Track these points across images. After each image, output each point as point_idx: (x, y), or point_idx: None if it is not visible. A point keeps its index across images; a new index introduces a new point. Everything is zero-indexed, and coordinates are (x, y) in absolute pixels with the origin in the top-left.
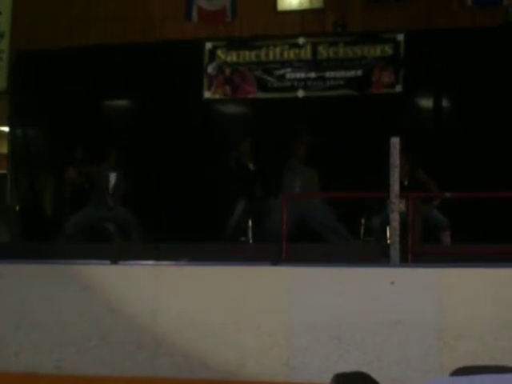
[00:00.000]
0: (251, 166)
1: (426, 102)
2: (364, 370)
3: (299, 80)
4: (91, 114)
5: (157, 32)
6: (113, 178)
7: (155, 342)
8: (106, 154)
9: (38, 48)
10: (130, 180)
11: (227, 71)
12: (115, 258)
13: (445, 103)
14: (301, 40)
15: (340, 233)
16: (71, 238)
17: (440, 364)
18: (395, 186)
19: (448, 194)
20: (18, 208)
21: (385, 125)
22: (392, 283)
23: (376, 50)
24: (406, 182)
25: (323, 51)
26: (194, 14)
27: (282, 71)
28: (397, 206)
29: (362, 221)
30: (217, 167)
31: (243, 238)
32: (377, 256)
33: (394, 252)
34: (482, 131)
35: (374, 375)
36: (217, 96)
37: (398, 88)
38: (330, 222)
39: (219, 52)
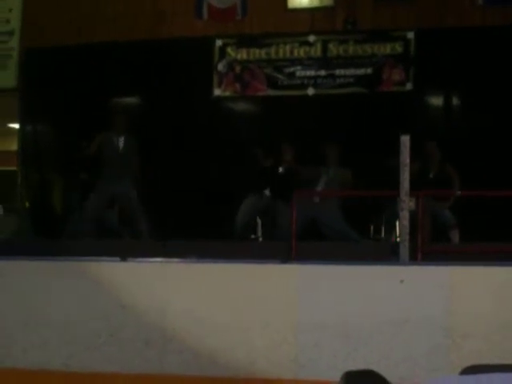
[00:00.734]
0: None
1: (437, 100)
2: (372, 367)
3: (309, 78)
4: (101, 112)
5: (166, 29)
6: (121, 144)
7: (164, 339)
8: (112, 120)
9: (47, 46)
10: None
11: (237, 69)
12: (123, 255)
13: (455, 101)
14: (311, 38)
15: (349, 238)
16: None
17: (448, 362)
18: (405, 184)
19: (458, 192)
20: (27, 205)
21: (395, 123)
22: (401, 281)
23: (386, 48)
24: (431, 175)
25: (333, 49)
26: (205, 12)
27: (292, 69)
28: (407, 204)
29: (373, 219)
30: (226, 165)
31: (253, 236)
32: (386, 254)
33: (404, 250)
34: (492, 129)
35: (382, 373)
36: (227, 93)
37: (409, 86)
38: (341, 226)
39: (229, 49)
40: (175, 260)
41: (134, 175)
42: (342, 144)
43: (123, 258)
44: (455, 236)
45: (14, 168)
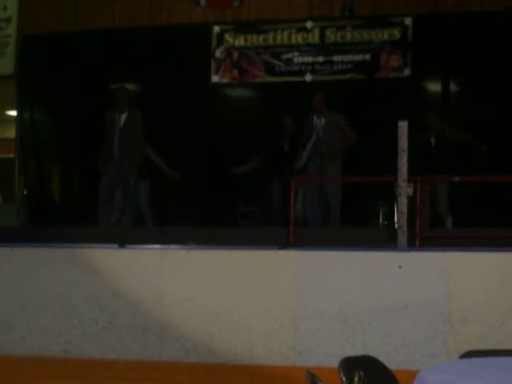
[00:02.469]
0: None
1: (434, 86)
2: (371, 353)
3: (307, 64)
4: (99, 98)
5: (164, 16)
6: (122, 120)
7: (162, 325)
8: (115, 94)
9: (44, 32)
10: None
11: (235, 55)
12: (122, 242)
13: (452, 87)
14: (308, 24)
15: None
16: (109, 207)
17: (446, 348)
18: (403, 170)
19: (457, 178)
20: (25, 192)
21: (392, 109)
22: (400, 267)
23: (384, 34)
24: (433, 143)
25: (331, 35)
26: None
27: (289, 55)
28: (405, 189)
29: (370, 205)
30: (224, 151)
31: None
32: (384, 240)
33: (402, 236)
34: (490, 114)
35: (381, 359)
36: (225, 80)
37: (406, 72)
38: (336, 202)
39: (227, 36)
40: (174, 246)
41: (137, 154)
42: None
43: (122, 245)
44: (448, 219)
45: (12, 155)
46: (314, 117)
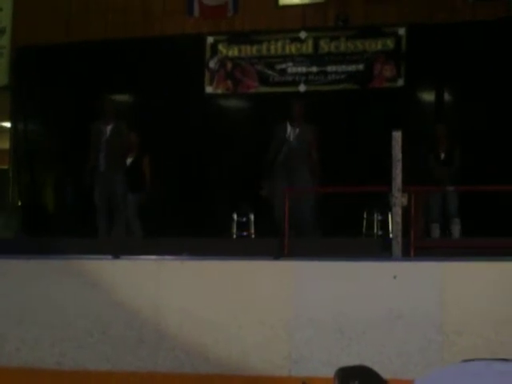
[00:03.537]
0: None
1: (428, 96)
2: (365, 363)
3: (301, 74)
4: (92, 109)
5: (158, 27)
6: (108, 132)
7: (157, 336)
8: (101, 106)
9: (38, 43)
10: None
11: (229, 66)
12: (116, 253)
13: (446, 97)
14: (302, 34)
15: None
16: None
17: (441, 358)
18: (398, 180)
19: (451, 188)
20: (19, 203)
21: (386, 119)
22: (394, 277)
23: (377, 44)
24: (442, 155)
25: (325, 45)
26: (196, 9)
27: (283, 65)
28: (399, 199)
29: (364, 215)
30: (218, 162)
31: (245, 233)
32: (379, 250)
33: (397, 246)
34: (484, 124)
35: (375, 369)
36: (219, 91)
37: (400, 82)
38: (308, 214)
39: (221, 46)
40: (168, 257)
41: (123, 165)
42: (333, 145)
43: (116, 256)
44: (456, 227)
45: (5, 167)
46: (288, 127)
